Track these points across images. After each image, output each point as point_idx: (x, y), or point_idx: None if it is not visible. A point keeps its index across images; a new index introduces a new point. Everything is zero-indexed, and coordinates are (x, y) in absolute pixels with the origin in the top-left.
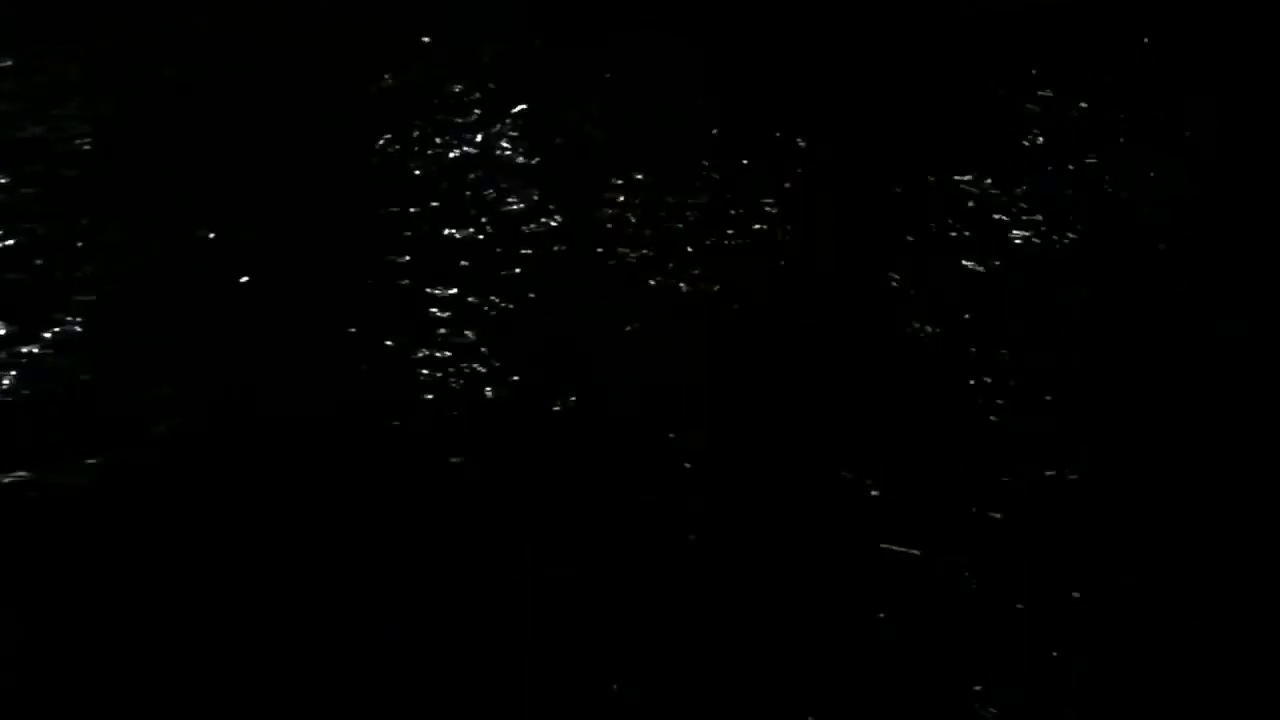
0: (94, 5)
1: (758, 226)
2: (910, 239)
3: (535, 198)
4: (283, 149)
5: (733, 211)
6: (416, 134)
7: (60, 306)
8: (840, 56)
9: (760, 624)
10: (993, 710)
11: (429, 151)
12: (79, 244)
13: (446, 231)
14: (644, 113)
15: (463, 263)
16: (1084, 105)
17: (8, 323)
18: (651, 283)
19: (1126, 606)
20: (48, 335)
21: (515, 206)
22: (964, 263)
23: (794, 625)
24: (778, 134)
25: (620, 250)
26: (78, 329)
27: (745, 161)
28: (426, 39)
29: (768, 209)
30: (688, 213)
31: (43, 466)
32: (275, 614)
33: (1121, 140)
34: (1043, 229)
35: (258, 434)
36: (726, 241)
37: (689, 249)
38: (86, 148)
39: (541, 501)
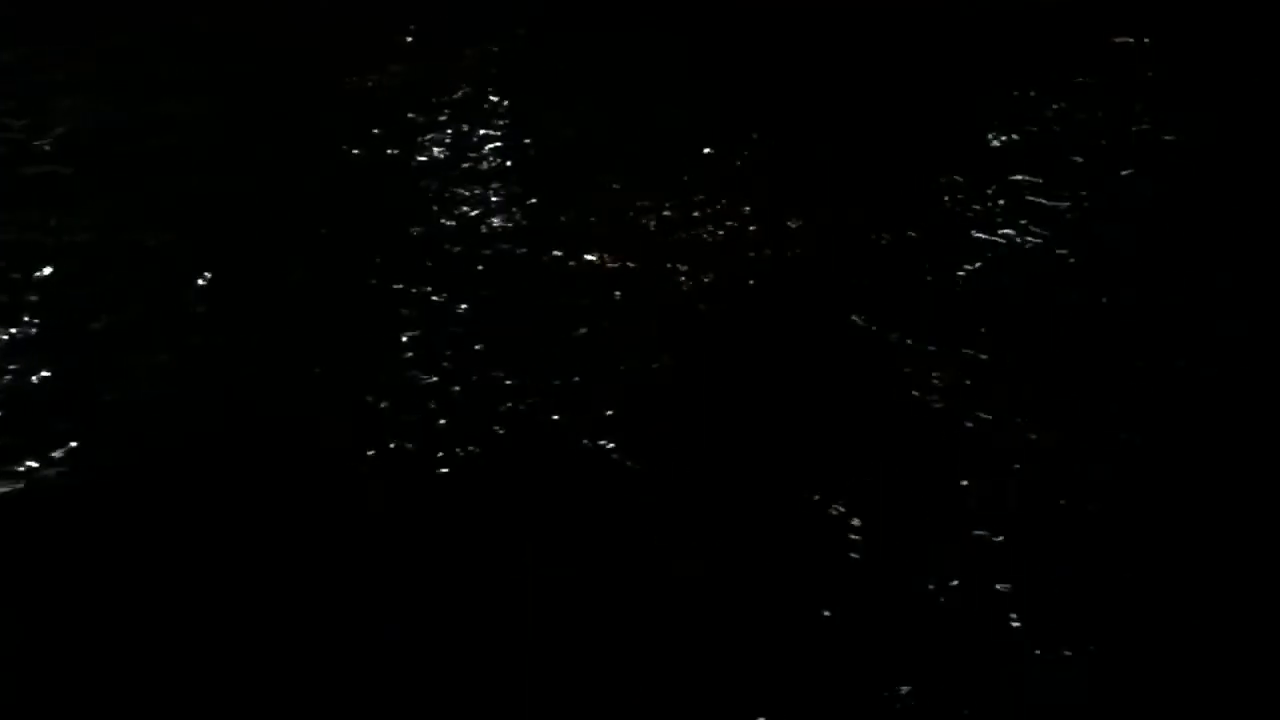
0: (94, 5)
1: (741, 227)
2: (907, 240)
3: (513, 198)
4: (263, 148)
5: (709, 212)
6: (400, 134)
7: (17, 307)
8: (839, 56)
9: (718, 626)
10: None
11: (412, 152)
12: (41, 244)
13: (421, 231)
14: (627, 113)
15: (429, 263)
16: (1082, 105)
17: None
18: (629, 283)
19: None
20: (4, 336)
21: (494, 206)
22: (957, 265)
23: (751, 626)
24: (774, 134)
25: (597, 251)
26: (34, 330)
27: (738, 163)
28: (410, 39)
29: (760, 211)
30: (666, 214)
31: None
32: (228, 619)
33: (1121, 140)
34: (1040, 229)
35: (223, 435)
36: (704, 244)
37: (666, 251)
38: (47, 148)
39: (509, 503)
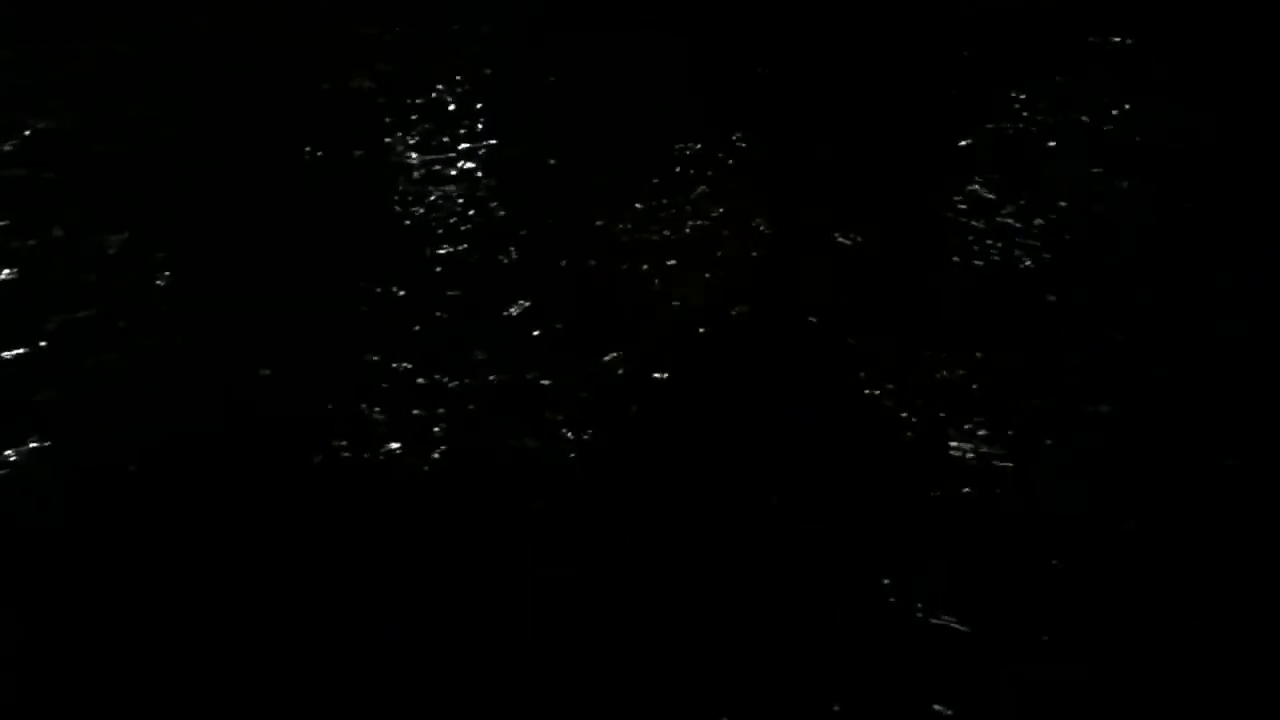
0: (93, 5)
1: (737, 228)
2: (906, 242)
3: (511, 199)
4: (256, 149)
5: (702, 214)
6: (394, 134)
7: None
8: (838, 57)
9: (701, 630)
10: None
11: (406, 152)
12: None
13: (410, 232)
14: (624, 114)
15: (420, 264)
16: (1083, 106)
17: None
18: (620, 284)
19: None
20: None
21: (492, 207)
22: (956, 266)
23: (732, 631)
24: (771, 136)
25: (591, 252)
26: None
27: (736, 164)
28: (408, 39)
29: (752, 213)
30: (660, 216)
31: None
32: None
33: (1121, 140)
34: (1040, 230)
35: (189, 435)
36: (695, 245)
37: (660, 252)
38: (38, 149)
39: (480, 504)
